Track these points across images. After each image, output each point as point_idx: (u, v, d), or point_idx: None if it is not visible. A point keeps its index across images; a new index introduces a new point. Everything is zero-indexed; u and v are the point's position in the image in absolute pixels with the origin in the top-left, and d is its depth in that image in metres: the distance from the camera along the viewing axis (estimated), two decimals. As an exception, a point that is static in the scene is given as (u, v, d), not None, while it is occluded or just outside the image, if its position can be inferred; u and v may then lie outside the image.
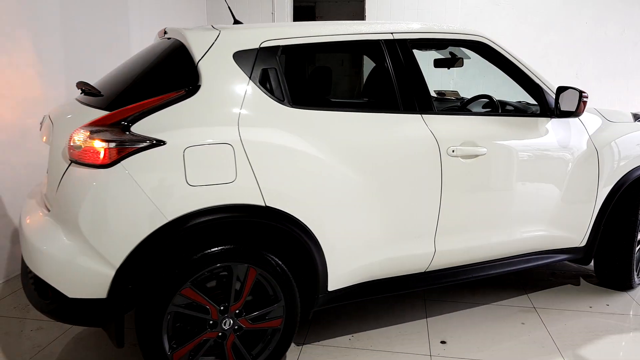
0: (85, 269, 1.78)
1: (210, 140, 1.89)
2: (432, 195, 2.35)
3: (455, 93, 3.74)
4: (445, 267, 2.53)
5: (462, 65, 3.29)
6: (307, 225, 2.06)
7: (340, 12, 8.82)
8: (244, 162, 1.92)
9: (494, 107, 2.93)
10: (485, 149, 2.42)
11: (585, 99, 2.51)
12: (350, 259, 2.23)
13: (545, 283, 3.24)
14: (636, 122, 3.10)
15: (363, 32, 2.33)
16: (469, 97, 3.14)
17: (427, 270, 2.48)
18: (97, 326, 1.92)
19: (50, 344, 2.44)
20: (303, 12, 8.41)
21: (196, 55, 2.03)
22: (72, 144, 1.82)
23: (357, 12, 6.94)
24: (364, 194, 2.19)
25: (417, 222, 2.35)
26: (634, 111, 3.30)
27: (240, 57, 2.07)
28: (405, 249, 2.36)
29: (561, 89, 2.58)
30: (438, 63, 3.39)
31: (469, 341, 2.51)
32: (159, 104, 1.91)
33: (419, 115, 2.34)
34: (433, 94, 3.95)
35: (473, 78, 5.66)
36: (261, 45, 2.11)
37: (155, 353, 1.90)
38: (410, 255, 2.38)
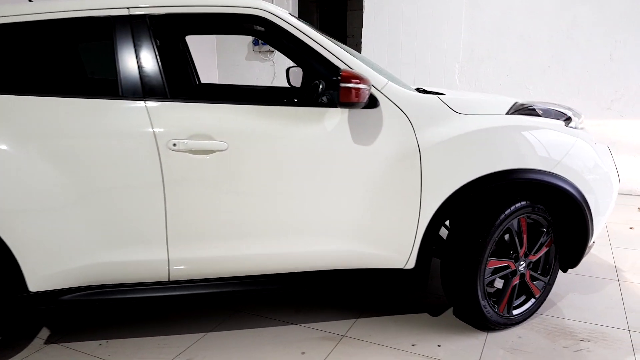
0: None
1: None
2: (153, 196, 2.04)
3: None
4: (196, 278, 2.20)
5: None
6: None
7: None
8: None
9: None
10: (225, 144, 2.04)
11: (349, 86, 1.97)
12: (51, 261, 2.04)
13: (397, 309, 2.68)
14: (513, 114, 2.38)
15: (89, 8, 2.09)
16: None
17: (171, 279, 2.18)
18: None
19: None
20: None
21: None
22: None
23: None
24: (62, 192, 1.98)
25: (139, 225, 2.07)
26: (526, 101, 2.53)
27: None
28: (130, 254, 2.10)
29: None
30: None
31: (213, 365, 2.18)
32: None
33: (142, 103, 2.04)
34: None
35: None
36: (-42, 28, 2.00)
37: None
38: (138, 261, 2.11)
